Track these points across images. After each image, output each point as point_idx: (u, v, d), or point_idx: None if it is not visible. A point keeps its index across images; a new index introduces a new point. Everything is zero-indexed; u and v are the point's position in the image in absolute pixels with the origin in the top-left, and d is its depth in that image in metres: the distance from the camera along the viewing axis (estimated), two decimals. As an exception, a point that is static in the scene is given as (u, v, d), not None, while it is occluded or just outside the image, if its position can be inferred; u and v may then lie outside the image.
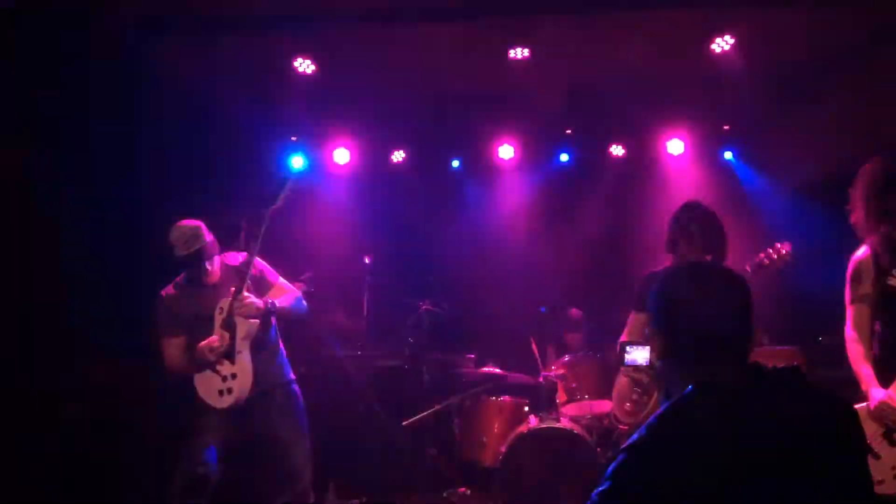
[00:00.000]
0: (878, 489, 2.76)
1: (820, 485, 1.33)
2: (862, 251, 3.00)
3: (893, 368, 2.84)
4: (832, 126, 5.24)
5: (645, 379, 3.65)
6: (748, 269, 3.40)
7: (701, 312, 1.51)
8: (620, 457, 1.43)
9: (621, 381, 3.86)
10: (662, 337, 1.55)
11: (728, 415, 1.38)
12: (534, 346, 5.32)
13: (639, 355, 3.05)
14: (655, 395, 3.59)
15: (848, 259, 3.08)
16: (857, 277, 3.00)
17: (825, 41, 4.72)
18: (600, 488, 1.44)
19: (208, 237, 3.52)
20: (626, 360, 3.02)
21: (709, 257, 3.60)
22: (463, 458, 5.13)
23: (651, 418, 1.43)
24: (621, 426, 4.09)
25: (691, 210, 3.68)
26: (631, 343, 3.05)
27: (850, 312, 3.03)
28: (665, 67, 5.20)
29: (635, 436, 1.42)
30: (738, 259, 3.89)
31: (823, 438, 1.37)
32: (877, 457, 2.78)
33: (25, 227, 4.88)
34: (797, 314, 5.43)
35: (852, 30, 4.66)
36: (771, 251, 3.39)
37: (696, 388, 1.43)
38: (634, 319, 3.82)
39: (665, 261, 3.80)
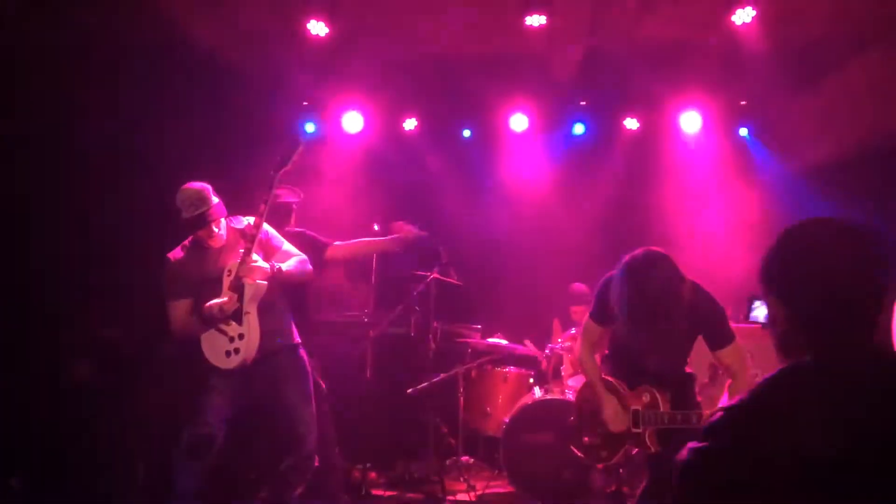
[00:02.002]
0: None
1: None
2: None
3: None
4: (854, 103, 5.14)
5: (614, 430, 3.29)
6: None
7: (818, 275, 1.40)
8: (719, 415, 1.39)
9: (587, 403, 3.45)
10: (780, 302, 1.45)
11: (839, 390, 1.31)
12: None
13: (762, 313, 2.81)
14: (617, 456, 3.26)
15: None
16: None
17: (849, 14, 4.61)
18: (696, 444, 1.40)
19: (214, 200, 3.51)
20: (750, 316, 2.83)
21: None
22: (467, 428, 5.16)
23: (761, 383, 1.38)
24: (574, 449, 3.54)
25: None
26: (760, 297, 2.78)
27: None
28: (684, 39, 5.11)
29: (742, 397, 1.38)
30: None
31: None
32: None
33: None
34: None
35: (877, 3, 4.55)
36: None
37: (813, 357, 1.37)
38: (592, 330, 3.40)
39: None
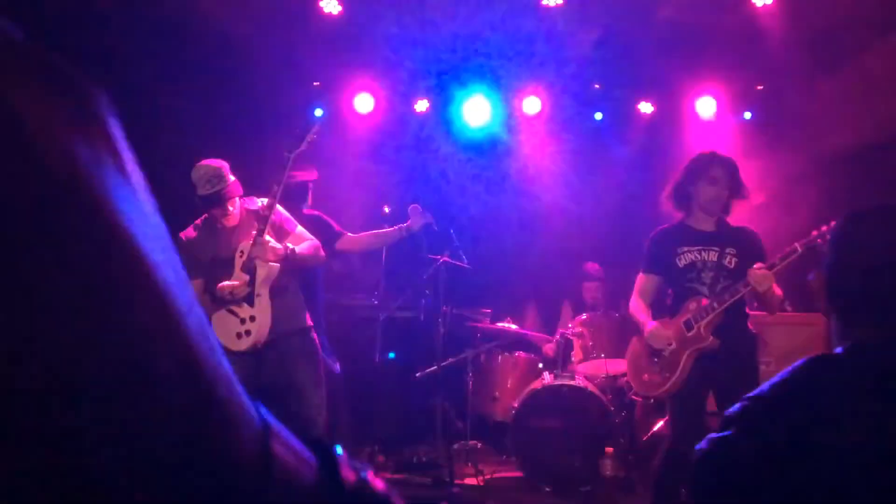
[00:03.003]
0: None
1: None
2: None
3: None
4: (875, 87, 5.06)
5: (667, 352, 3.43)
6: (798, 247, 3.18)
7: (857, 264, 1.35)
8: (742, 404, 1.35)
9: (637, 348, 3.66)
10: (824, 290, 1.41)
11: (870, 384, 1.26)
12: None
13: None
14: (679, 369, 3.38)
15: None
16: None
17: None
18: (719, 434, 1.36)
19: (231, 178, 3.48)
20: None
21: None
22: (475, 412, 5.15)
23: (786, 371, 1.34)
24: (635, 396, 4.05)
25: (711, 154, 3.50)
26: None
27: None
28: (702, 21, 5.03)
29: (764, 386, 1.35)
30: (771, 228, 3.80)
31: None
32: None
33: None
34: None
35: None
36: (829, 236, 3.17)
37: (845, 348, 1.32)
38: (643, 281, 3.63)
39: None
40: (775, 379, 1.36)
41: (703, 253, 3.45)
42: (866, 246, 1.36)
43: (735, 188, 3.45)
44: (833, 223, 3.16)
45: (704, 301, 3.38)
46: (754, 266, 3.22)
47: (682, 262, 3.47)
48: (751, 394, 1.38)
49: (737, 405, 1.38)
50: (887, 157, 5.06)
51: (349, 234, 4.31)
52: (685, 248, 3.48)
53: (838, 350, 1.35)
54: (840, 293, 1.38)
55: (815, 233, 3.19)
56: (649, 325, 3.50)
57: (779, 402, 1.31)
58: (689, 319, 3.39)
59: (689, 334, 3.38)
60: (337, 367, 4.30)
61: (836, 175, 5.47)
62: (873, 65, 4.96)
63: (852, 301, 1.36)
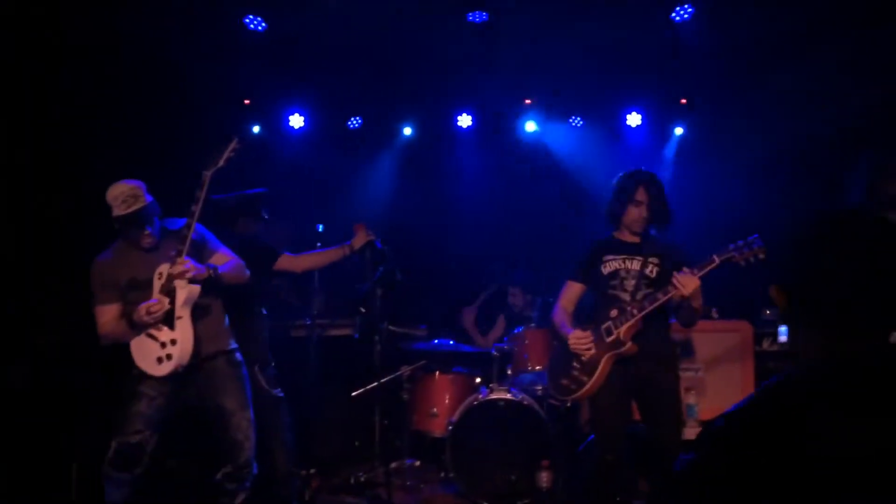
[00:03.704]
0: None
1: None
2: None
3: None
4: (792, 100, 5.24)
5: (587, 355, 3.49)
6: (716, 258, 3.27)
7: (827, 272, 1.28)
8: (718, 423, 1.29)
9: (557, 354, 3.72)
10: (785, 299, 1.33)
11: (854, 394, 1.21)
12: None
13: None
14: (597, 373, 3.45)
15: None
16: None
17: (787, 12, 4.69)
18: (689, 456, 1.30)
19: (148, 198, 3.38)
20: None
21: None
22: (413, 429, 5.10)
23: (760, 387, 1.28)
24: (553, 401, 4.19)
25: (638, 175, 3.57)
26: None
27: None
28: (625, 36, 5.14)
29: (735, 406, 1.29)
30: (694, 239, 3.88)
31: None
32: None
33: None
34: (745, 288, 5.46)
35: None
36: (746, 250, 3.23)
37: (826, 359, 1.27)
38: (568, 288, 3.74)
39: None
40: (755, 394, 1.29)
41: (626, 262, 3.55)
42: (849, 252, 1.29)
43: (659, 209, 3.53)
44: (750, 238, 3.25)
45: (625, 308, 3.46)
46: (681, 270, 3.30)
47: (605, 270, 3.57)
48: (729, 410, 1.31)
49: (715, 423, 1.31)
50: (809, 165, 5.23)
51: (288, 253, 4.22)
52: (610, 257, 3.58)
53: (816, 361, 1.30)
54: (820, 301, 1.30)
55: (731, 246, 3.28)
56: (569, 330, 3.57)
57: (764, 420, 1.25)
58: (610, 325, 3.47)
59: (609, 339, 3.45)
60: (279, 391, 4.21)
61: (760, 184, 5.64)
62: (792, 77, 5.14)
63: (835, 309, 1.28)
